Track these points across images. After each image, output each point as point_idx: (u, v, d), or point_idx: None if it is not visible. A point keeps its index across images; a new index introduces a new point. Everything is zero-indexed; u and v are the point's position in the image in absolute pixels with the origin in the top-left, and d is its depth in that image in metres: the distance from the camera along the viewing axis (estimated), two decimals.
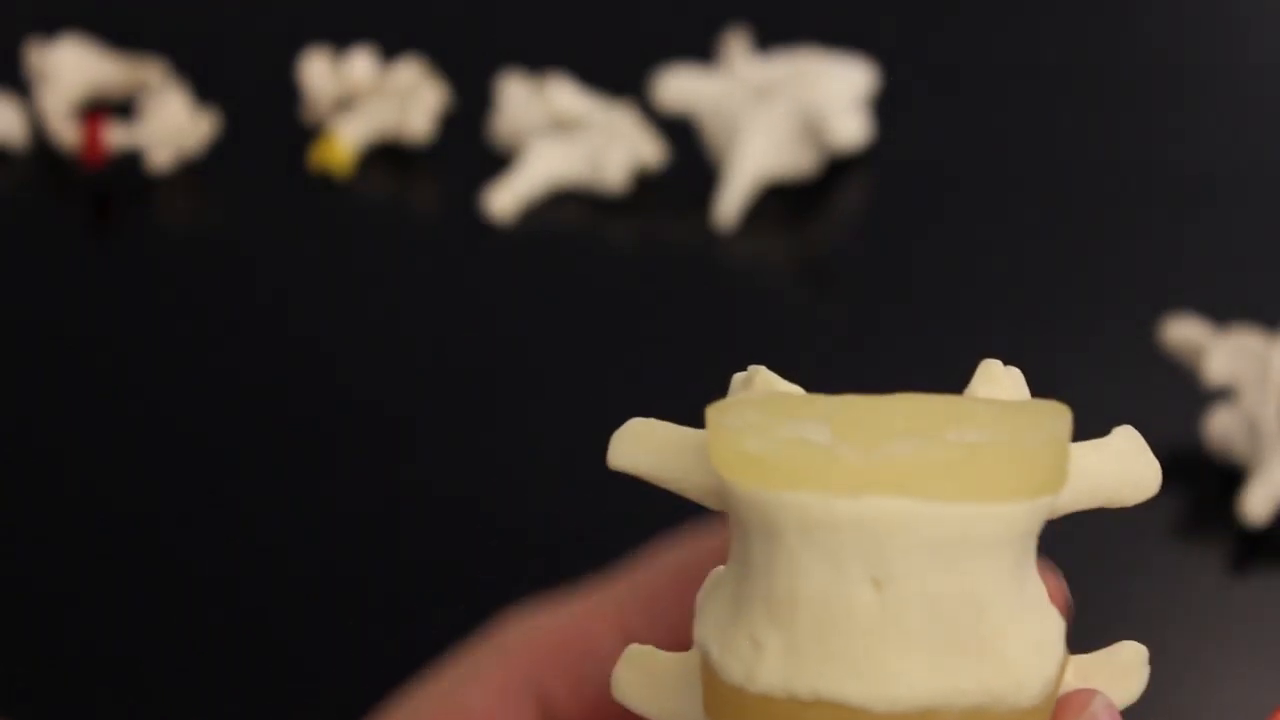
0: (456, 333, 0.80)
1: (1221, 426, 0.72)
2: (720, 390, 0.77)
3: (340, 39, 0.94)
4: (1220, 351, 0.72)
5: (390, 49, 0.94)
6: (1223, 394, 0.75)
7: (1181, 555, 0.70)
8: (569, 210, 0.85)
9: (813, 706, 0.35)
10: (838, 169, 0.87)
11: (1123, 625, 0.68)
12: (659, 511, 0.72)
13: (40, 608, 0.69)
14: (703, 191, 0.86)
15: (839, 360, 0.78)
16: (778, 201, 0.85)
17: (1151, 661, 0.66)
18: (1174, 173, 0.86)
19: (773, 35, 0.94)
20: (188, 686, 0.66)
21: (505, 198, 0.84)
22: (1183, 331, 0.73)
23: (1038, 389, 0.74)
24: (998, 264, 0.82)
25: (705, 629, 0.37)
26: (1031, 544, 0.36)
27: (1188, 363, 0.73)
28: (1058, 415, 0.36)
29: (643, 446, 0.39)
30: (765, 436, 0.35)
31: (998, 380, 0.39)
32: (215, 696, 0.66)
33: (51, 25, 0.96)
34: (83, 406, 0.77)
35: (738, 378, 0.39)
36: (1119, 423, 0.74)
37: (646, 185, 0.86)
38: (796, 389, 0.38)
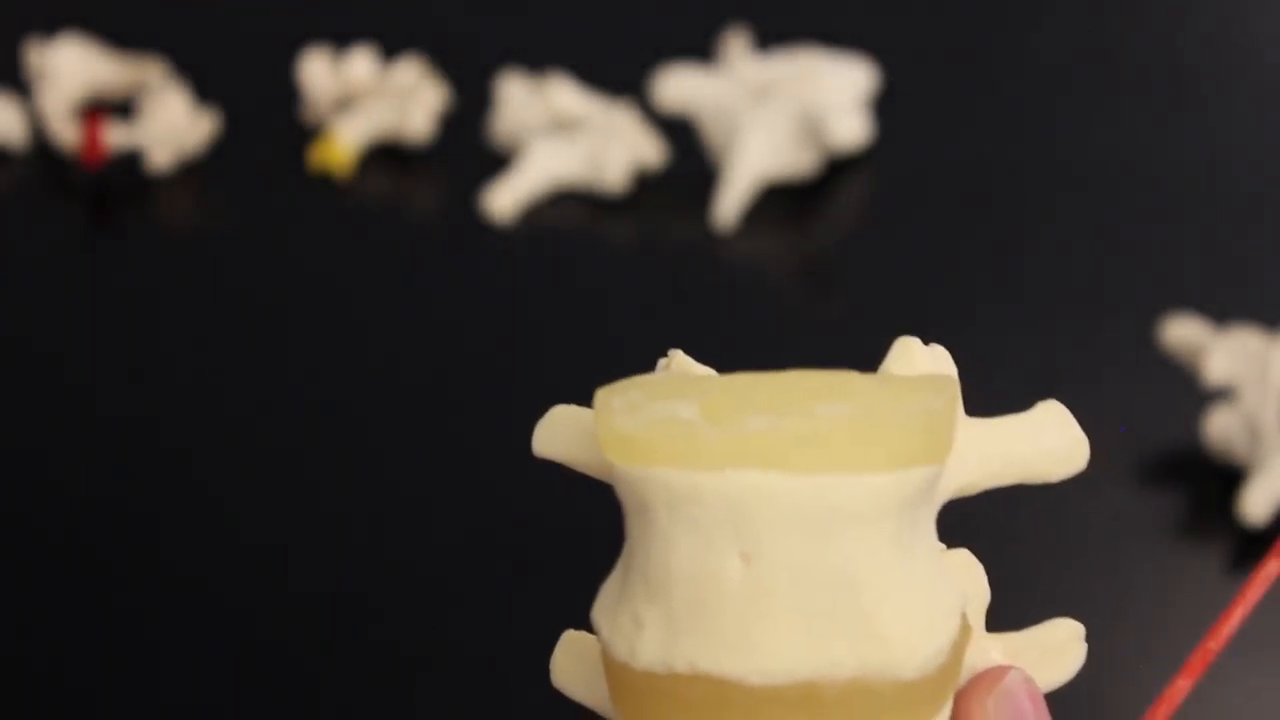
0: (456, 332, 0.80)
1: (1221, 426, 0.72)
2: None
3: (340, 39, 0.94)
4: (1220, 351, 0.71)
5: (390, 49, 0.94)
6: (1223, 394, 0.75)
7: (1181, 555, 0.70)
8: (569, 210, 0.85)
9: (692, 681, 0.35)
10: (838, 169, 0.87)
11: (1123, 624, 0.68)
12: None
13: (39, 604, 0.69)
14: (703, 191, 0.86)
15: (839, 360, 0.78)
16: (778, 201, 0.85)
17: (1151, 662, 0.66)
18: (1174, 173, 0.86)
19: (773, 35, 0.94)
20: (180, 690, 0.67)
21: (505, 198, 0.84)
22: (1183, 331, 0.73)
23: (1038, 389, 0.74)
24: (997, 264, 0.82)
25: (598, 609, 0.37)
26: (919, 516, 0.36)
27: (1188, 363, 0.73)
28: (937, 387, 0.36)
29: (560, 434, 0.40)
30: (637, 415, 0.36)
31: (912, 358, 0.38)
32: (211, 700, 0.66)
33: (51, 25, 0.96)
34: (83, 406, 0.77)
35: (660, 362, 0.40)
36: (1120, 423, 0.74)
37: (646, 185, 0.86)
38: (708, 371, 0.39)
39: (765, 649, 0.35)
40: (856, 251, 0.83)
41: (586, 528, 0.72)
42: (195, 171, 0.88)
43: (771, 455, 0.35)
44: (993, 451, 0.38)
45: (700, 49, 0.93)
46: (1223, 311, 0.79)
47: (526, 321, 0.80)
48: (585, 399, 0.83)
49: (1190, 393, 0.75)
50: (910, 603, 0.35)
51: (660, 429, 0.35)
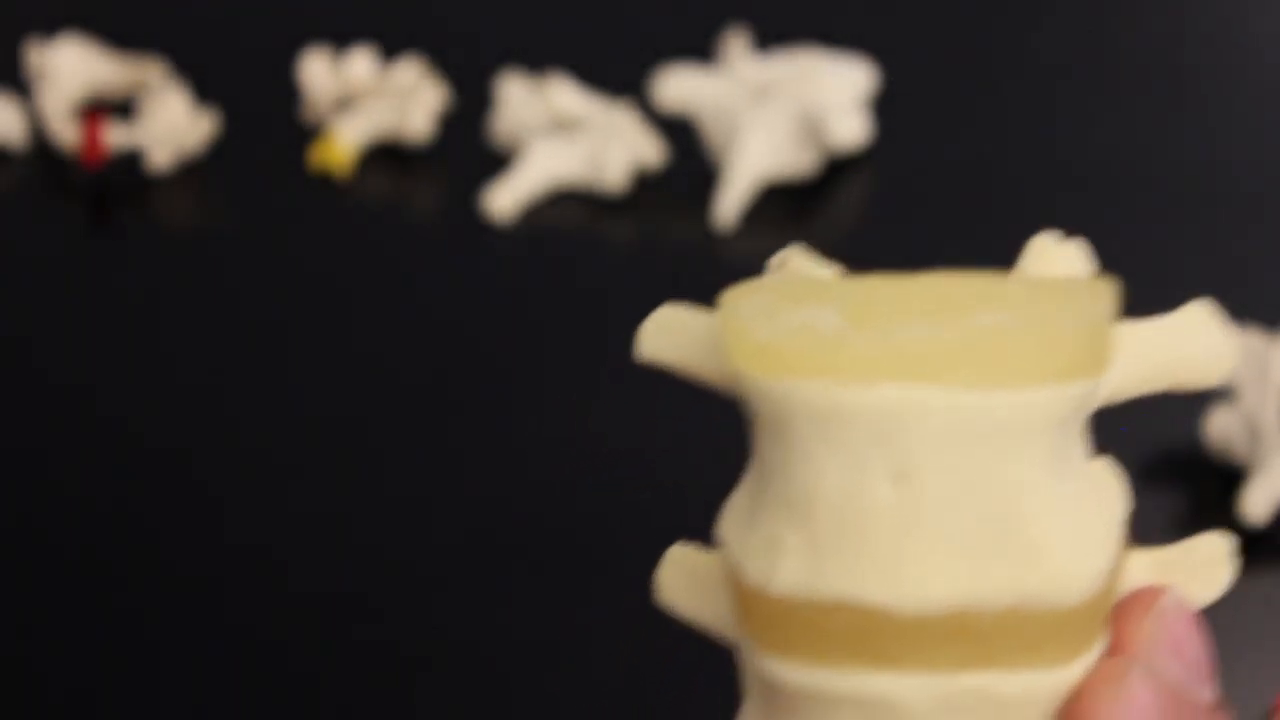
0: (456, 332, 0.80)
1: (1221, 426, 0.72)
2: (717, 391, 0.77)
3: (340, 39, 0.94)
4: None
5: (390, 49, 0.94)
6: (1223, 394, 0.75)
7: None
8: (569, 210, 0.85)
9: (835, 610, 0.33)
10: (838, 169, 0.87)
11: None
12: (659, 510, 0.72)
13: (38, 604, 0.69)
14: (703, 191, 0.86)
15: None
16: (778, 201, 0.85)
17: None
18: (1174, 173, 0.86)
19: (773, 35, 0.94)
20: (179, 693, 0.67)
21: (505, 198, 0.84)
22: None
23: None
24: (997, 264, 0.82)
25: (727, 529, 0.35)
26: (1074, 433, 0.34)
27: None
28: (1097, 293, 0.33)
29: (671, 337, 0.37)
30: (774, 322, 0.33)
31: (1050, 256, 0.36)
32: (210, 704, 0.66)
33: (51, 25, 0.96)
34: (83, 406, 0.77)
35: (772, 261, 0.37)
36: (1117, 423, 0.74)
37: (646, 185, 0.86)
38: (830, 272, 0.36)
39: (917, 576, 0.33)
40: (856, 251, 0.83)
41: (586, 528, 0.72)
42: (195, 171, 0.88)
43: (927, 368, 0.32)
44: (1142, 357, 0.35)
45: (700, 49, 0.93)
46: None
47: (526, 321, 0.80)
48: (585, 399, 0.83)
49: (1190, 393, 0.75)
50: (1071, 524, 0.33)
51: (802, 338, 0.33)
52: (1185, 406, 0.75)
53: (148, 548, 0.71)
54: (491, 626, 0.68)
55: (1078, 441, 0.34)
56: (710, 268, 0.82)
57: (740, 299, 0.34)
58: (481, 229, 0.84)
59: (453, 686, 0.66)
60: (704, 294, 0.81)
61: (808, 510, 0.33)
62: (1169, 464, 0.73)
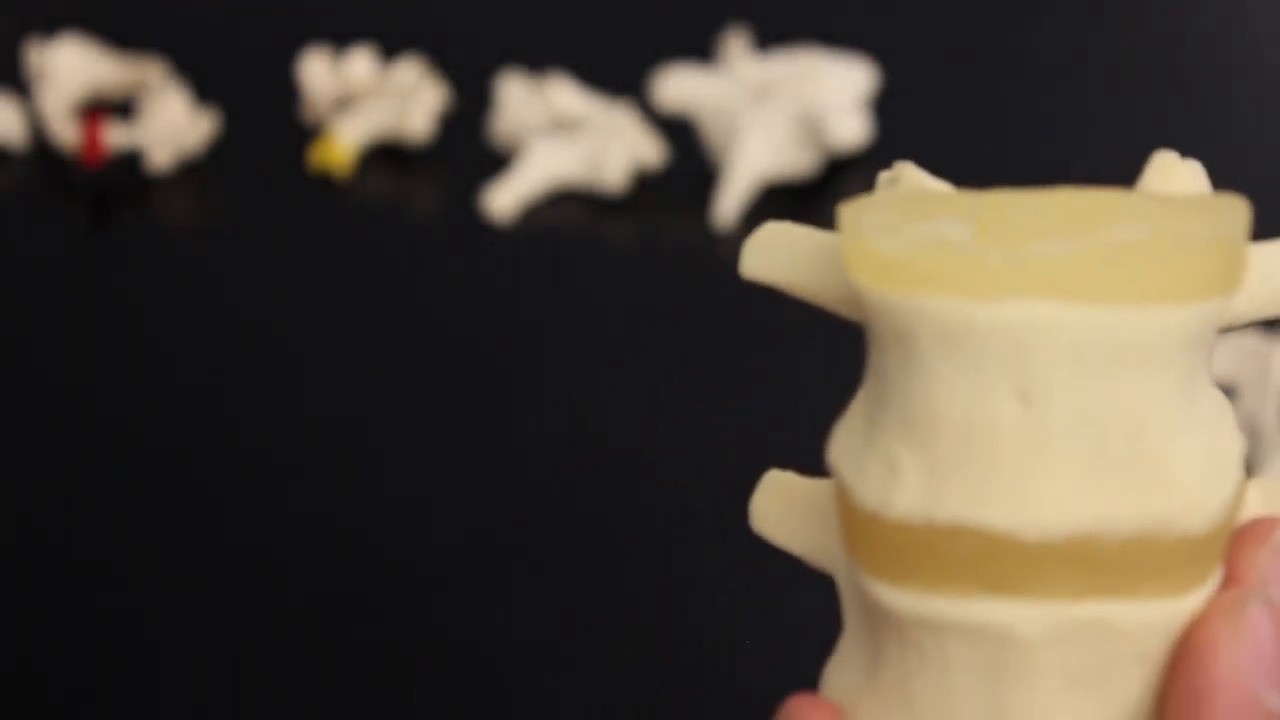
0: (456, 332, 0.80)
1: None
2: (720, 390, 0.77)
3: (340, 39, 0.94)
4: (1220, 351, 0.71)
5: (390, 49, 0.94)
6: (1223, 394, 0.75)
7: None
8: (569, 210, 0.85)
9: (954, 535, 0.32)
10: (838, 169, 0.87)
11: None
12: (659, 510, 0.72)
13: (37, 604, 0.69)
14: (703, 191, 0.86)
15: (839, 359, 0.78)
16: (778, 201, 0.85)
17: None
18: None
19: (773, 35, 0.94)
20: (179, 692, 0.67)
21: (505, 198, 0.84)
22: None
23: None
24: None
25: (838, 451, 0.34)
26: (1203, 354, 0.33)
27: None
28: (1231, 209, 0.33)
29: (777, 253, 0.35)
30: (899, 236, 0.32)
31: (1173, 173, 0.35)
32: (213, 704, 0.66)
33: (51, 25, 0.96)
34: (82, 406, 0.77)
35: (883, 176, 0.35)
36: None
37: (646, 185, 0.86)
38: (945, 186, 0.35)
39: (1042, 499, 0.32)
40: None
41: (586, 528, 0.72)
42: (195, 171, 0.88)
43: (1061, 283, 0.31)
44: (1267, 279, 0.34)
45: (700, 49, 0.93)
46: None
47: (526, 321, 0.80)
48: (585, 399, 0.83)
49: None
50: (1200, 449, 0.32)
51: (930, 252, 0.31)
52: None
53: (148, 547, 0.71)
54: (491, 626, 0.68)
55: (1206, 364, 0.34)
56: (710, 268, 0.82)
57: (862, 213, 0.33)
58: (481, 229, 0.84)
59: (453, 686, 0.66)
60: (704, 294, 0.81)
61: (929, 431, 0.32)
62: None
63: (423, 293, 0.82)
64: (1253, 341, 0.71)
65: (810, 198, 0.85)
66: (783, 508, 0.36)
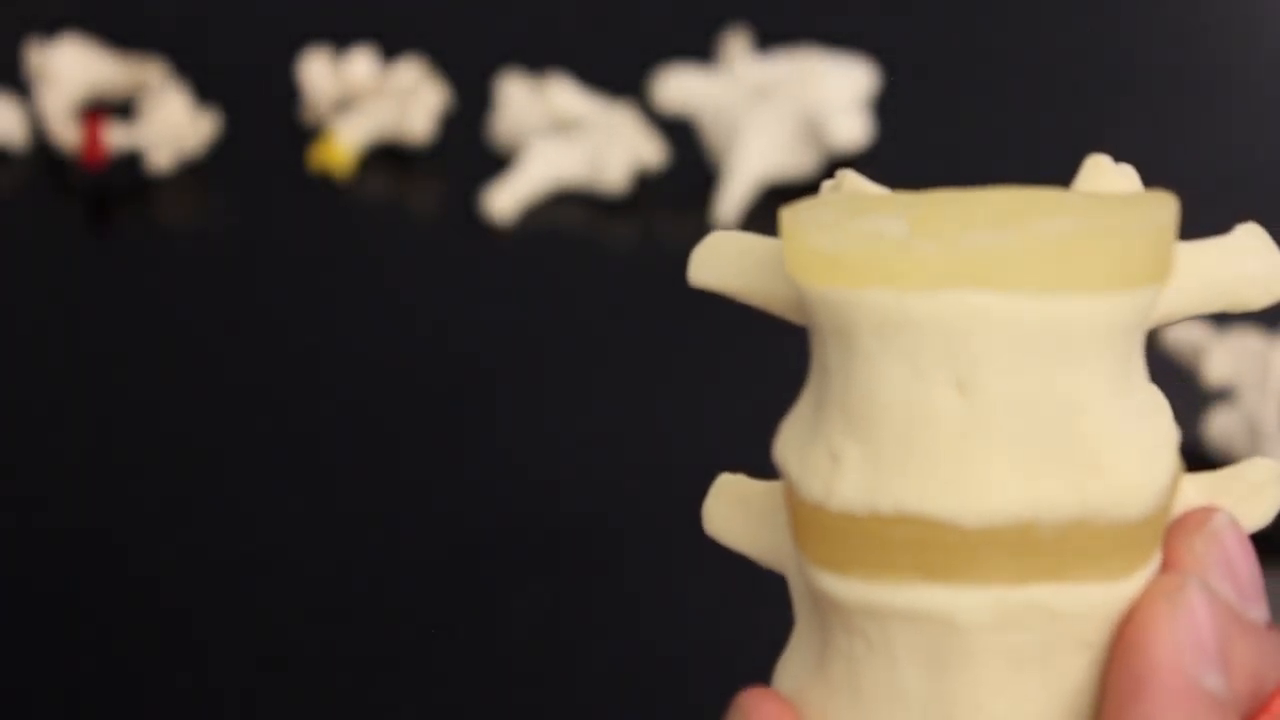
0: (456, 333, 0.80)
1: (1221, 427, 0.72)
2: (719, 390, 0.77)
3: (340, 39, 0.94)
4: (1220, 352, 0.71)
5: (390, 49, 0.94)
6: (1223, 394, 0.75)
7: None
8: (569, 211, 0.85)
9: (896, 522, 0.33)
10: (837, 169, 0.87)
11: None
12: (659, 510, 0.72)
13: (36, 604, 0.69)
14: (703, 191, 0.86)
15: None
16: (778, 201, 0.85)
17: None
18: (1174, 173, 0.86)
19: (773, 35, 0.94)
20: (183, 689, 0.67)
21: (505, 198, 0.84)
22: (1183, 332, 0.73)
23: None
24: None
25: (784, 446, 0.34)
26: (1136, 343, 0.34)
27: (1188, 363, 0.73)
28: (1159, 203, 0.33)
29: (723, 261, 0.36)
30: (837, 233, 0.33)
31: (1105, 174, 0.36)
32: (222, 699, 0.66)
33: (51, 25, 0.96)
34: (83, 405, 0.77)
35: (826, 184, 0.36)
36: None
37: (646, 185, 0.86)
38: (885, 191, 0.36)
39: (980, 486, 0.32)
40: None
41: (586, 527, 0.72)
42: (195, 171, 0.88)
43: (993, 273, 0.32)
44: (1196, 276, 0.35)
45: (700, 49, 0.93)
46: (1223, 312, 0.79)
47: (526, 322, 0.80)
48: (584, 399, 0.83)
49: (1190, 393, 0.75)
50: (1133, 436, 0.33)
51: (867, 246, 0.32)
52: (1186, 406, 0.75)
53: (146, 548, 0.71)
54: (492, 626, 0.68)
55: (1139, 355, 0.34)
56: None
57: (801, 213, 0.33)
58: (481, 229, 0.84)
59: (452, 687, 0.66)
60: (704, 294, 0.81)
61: (869, 422, 0.33)
62: None
63: (423, 293, 0.82)
64: (1253, 341, 0.71)
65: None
66: (734, 510, 0.37)
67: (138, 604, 0.69)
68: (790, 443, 0.34)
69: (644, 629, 0.68)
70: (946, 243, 0.32)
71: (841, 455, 0.33)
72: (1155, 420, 0.34)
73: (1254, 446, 0.71)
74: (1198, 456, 0.73)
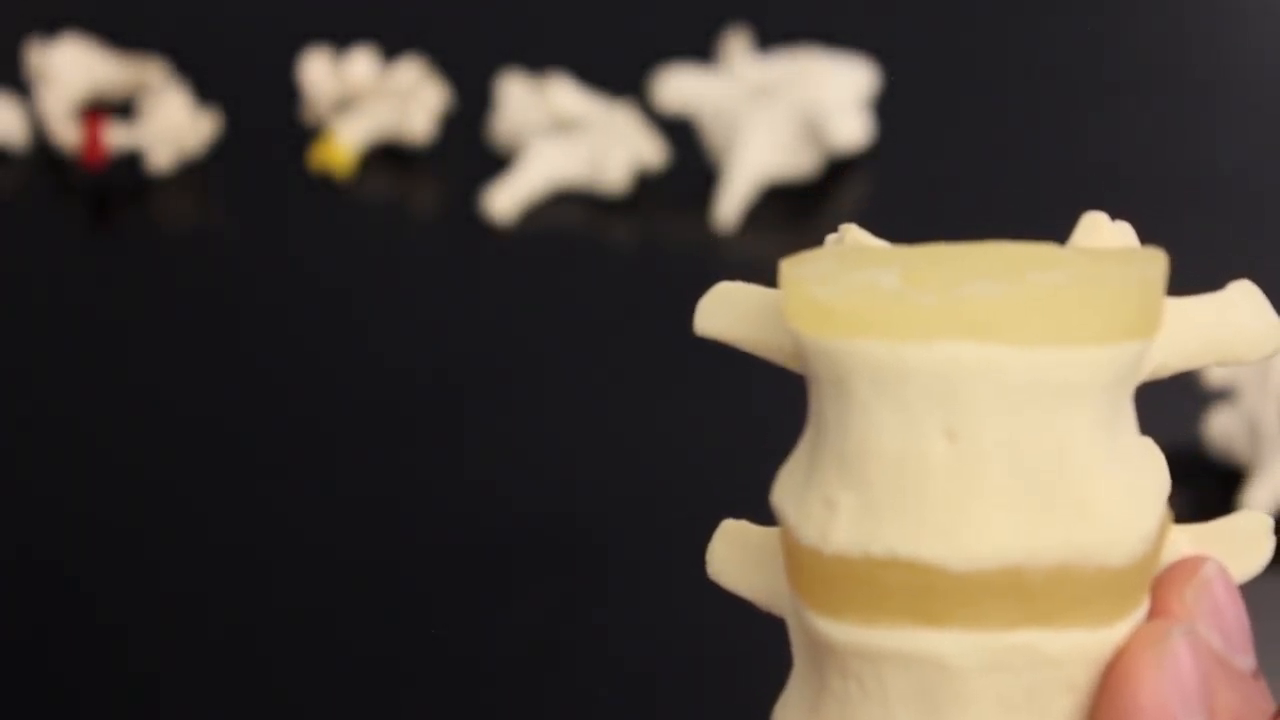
0: (456, 333, 0.80)
1: (1221, 426, 0.72)
2: (720, 390, 0.77)
3: (340, 39, 0.94)
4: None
5: (390, 49, 0.94)
6: (1223, 394, 0.75)
7: None
8: (569, 210, 0.85)
9: (889, 566, 0.33)
10: (838, 169, 0.87)
11: None
12: (660, 510, 0.72)
13: (35, 605, 0.69)
14: (703, 191, 0.86)
15: None
16: (778, 201, 0.85)
17: None
18: (1174, 173, 0.86)
19: (773, 35, 0.94)
20: (190, 684, 0.67)
21: (505, 198, 0.84)
22: None
23: None
24: None
25: (781, 493, 0.35)
26: (1125, 395, 0.34)
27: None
28: (1149, 259, 0.34)
29: (727, 310, 0.37)
30: (834, 284, 0.34)
31: (1101, 230, 0.36)
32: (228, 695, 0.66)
33: (51, 25, 0.96)
34: (83, 405, 0.77)
35: (830, 237, 0.37)
36: None
37: (646, 185, 0.86)
38: (885, 244, 0.37)
39: (970, 532, 0.33)
40: None
41: (587, 528, 0.72)
42: (195, 171, 0.88)
43: (984, 325, 0.33)
44: (1190, 330, 0.36)
45: (700, 49, 0.93)
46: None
47: (526, 322, 0.80)
48: (585, 398, 0.83)
49: (1190, 393, 0.75)
50: (1120, 484, 0.34)
51: (862, 297, 0.33)
52: (1185, 406, 0.75)
53: (146, 549, 0.71)
54: (492, 626, 0.68)
55: (1128, 406, 0.35)
56: (710, 268, 0.82)
57: (800, 265, 0.34)
58: (481, 229, 0.84)
59: (453, 687, 0.66)
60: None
61: (863, 469, 0.34)
62: (1169, 464, 0.73)
63: (423, 293, 0.82)
64: None
65: (810, 198, 0.85)
66: (736, 555, 0.38)
67: (138, 603, 0.69)
68: (787, 489, 0.35)
69: (643, 630, 0.68)
70: (939, 295, 0.33)
71: (836, 502, 0.34)
72: (1143, 469, 0.35)
73: (1254, 446, 0.71)
74: (1198, 456, 0.73)
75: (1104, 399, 0.34)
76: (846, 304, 0.33)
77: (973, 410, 0.33)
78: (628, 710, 0.66)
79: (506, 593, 0.69)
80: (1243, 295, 0.37)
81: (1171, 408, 0.75)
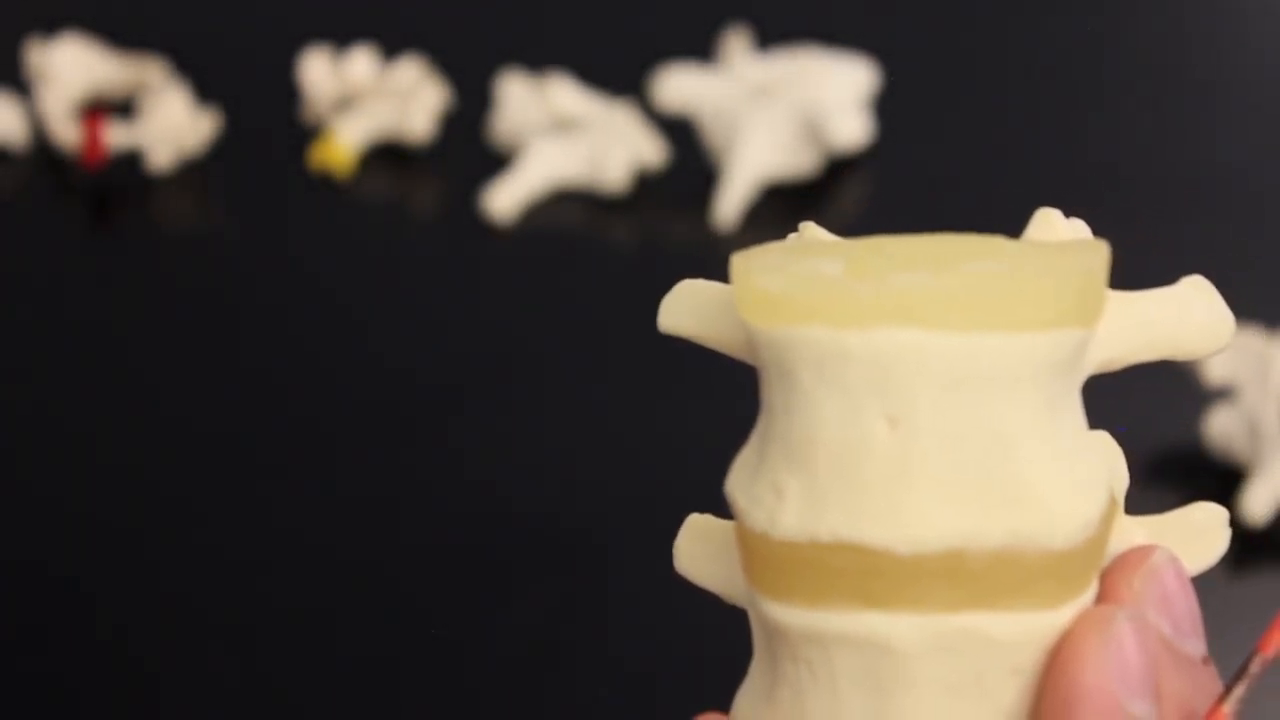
0: (456, 332, 0.80)
1: (1221, 426, 0.72)
2: (720, 390, 0.77)
3: (340, 39, 0.94)
4: (1220, 351, 0.71)
5: (390, 49, 0.94)
6: (1223, 394, 0.75)
7: None
8: (569, 210, 0.85)
9: (835, 550, 0.34)
10: (838, 169, 0.87)
11: None
12: (659, 509, 0.72)
13: (34, 606, 0.69)
14: (703, 191, 0.85)
15: None
16: (778, 201, 0.85)
17: None
18: (1174, 173, 0.86)
19: (773, 35, 0.94)
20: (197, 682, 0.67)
21: (505, 198, 0.84)
22: None
23: None
24: None
25: (733, 482, 0.36)
26: (1068, 382, 0.35)
27: (1188, 362, 0.73)
28: (1089, 249, 0.35)
29: (687, 308, 0.39)
30: (780, 275, 0.34)
31: (1054, 226, 0.37)
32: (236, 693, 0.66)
33: (51, 25, 0.96)
34: (83, 405, 0.77)
35: (791, 236, 0.38)
36: (1118, 423, 0.73)
37: (646, 185, 0.86)
38: (837, 239, 0.37)
39: (911, 516, 0.34)
40: None
41: (587, 527, 0.72)
42: (195, 171, 0.88)
43: (921, 312, 0.33)
44: (1138, 323, 0.36)
45: (700, 49, 0.93)
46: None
47: (526, 321, 0.80)
48: (585, 398, 0.83)
49: (1190, 393, 0.75)
50: (1061, 470, 0.34)
51: (805, 286, 0.34)
52: (1185, 406, 0.75)
53: (147, 548, 0.71)
54: (492, 626, 0.68)
55: (1073, 399, 0.36)
56: (710, 267, 0.82)
57: (750, 256, 0.35)
58: (481, 229, 0.84)
59: (453, 687, 0.66)
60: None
61: (808, 455, 0.34)
62: (1169, 464, 0.73)
63: (423, 293, 0.82)
64: (1253, 341, 0.71)
65: (810, 198, 0.85)
66: (700, 547, 0.39)
67: (138, 603, 0.69)
68: (739, 478, 0.36)
69: (643, 630, 0.68)
70: (880, 282, 0.34)
71: (783, 487, 0.35)
72: (1086, 457, 0.35)
73: (1254, 446, 0.71)
74: (1198, 456, 0.73)
75: (1043, 386, 0.34)
76: (790, 292, 0.34)
77: (911, 396, 0.34)
78: (628, 710, 0.66)
79: (506, 593, 0.69)
80: (1194, 289, 0.38)
81: (1171, 407, 0.75)
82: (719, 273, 0.85)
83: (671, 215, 0.85)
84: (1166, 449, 0.73)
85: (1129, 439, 0.74)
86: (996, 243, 0.35)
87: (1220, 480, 0.72)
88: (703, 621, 0.68)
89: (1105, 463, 0.36)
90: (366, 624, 0.68)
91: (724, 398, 0.77)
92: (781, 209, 0.85)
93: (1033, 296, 0.34)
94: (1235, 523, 0.71)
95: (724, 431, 0.75)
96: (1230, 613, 0.68)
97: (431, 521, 0.72)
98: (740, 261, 0.35)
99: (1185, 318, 0.37)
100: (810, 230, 0.38)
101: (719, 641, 0.67)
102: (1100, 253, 0.35)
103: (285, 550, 0.71)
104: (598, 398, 0.76)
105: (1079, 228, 0.37)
